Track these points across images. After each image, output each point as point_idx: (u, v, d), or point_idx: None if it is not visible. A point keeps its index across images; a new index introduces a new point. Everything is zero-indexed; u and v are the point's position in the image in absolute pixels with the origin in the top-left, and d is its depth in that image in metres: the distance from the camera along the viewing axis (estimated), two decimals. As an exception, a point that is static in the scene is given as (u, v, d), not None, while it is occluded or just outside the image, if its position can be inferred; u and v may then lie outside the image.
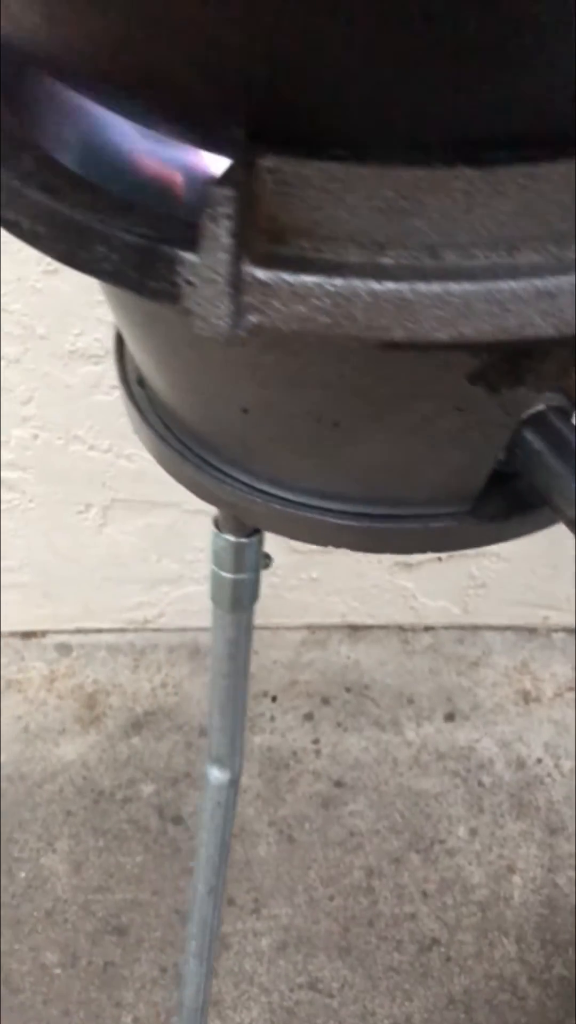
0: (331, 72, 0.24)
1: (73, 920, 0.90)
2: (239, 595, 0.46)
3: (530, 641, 1.09)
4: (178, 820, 0.96)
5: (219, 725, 0.49)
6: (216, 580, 0.46)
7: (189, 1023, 0.62)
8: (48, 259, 0.30)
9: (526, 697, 1.05)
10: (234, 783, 0.51)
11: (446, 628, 1.09)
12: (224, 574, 0.45)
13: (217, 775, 0.51)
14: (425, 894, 0.91)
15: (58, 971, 0.88)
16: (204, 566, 1.04)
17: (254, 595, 0.46)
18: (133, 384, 0.45)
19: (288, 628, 1.08)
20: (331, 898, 0.91)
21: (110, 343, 0.87)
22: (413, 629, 1.09)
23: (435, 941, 0.88)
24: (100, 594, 1.06)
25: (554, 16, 0.22)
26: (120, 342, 0.47)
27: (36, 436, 0.92)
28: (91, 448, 0.93)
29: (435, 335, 0.27)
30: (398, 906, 0.91)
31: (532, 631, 1.10)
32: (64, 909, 0.91)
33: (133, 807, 0.98)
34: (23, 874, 0.93)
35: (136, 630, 1.09)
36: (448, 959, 0.88)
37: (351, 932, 0.89)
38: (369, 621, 1.08)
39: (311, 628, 1.09)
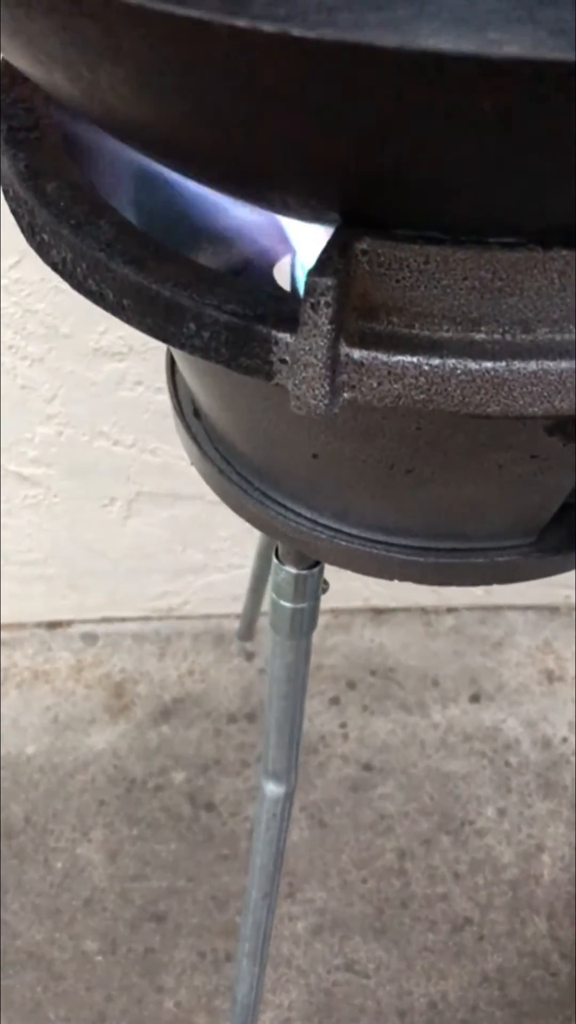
0: (428, 167, 0.24)
1: (112, 908, 0.92)
2: (299, 623, 0.46)
3: (552, 620, 1.10)
4: (210, 807, 0.98)
5: (276, 742, 0.50)
6: (276, 609, 0.46)
7: (242, 1017, 0.63)
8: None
9: (550, 676, 1.06)
10: (289, 796, 0.52)
11: (469, 609, 1.10)
12: (284, 603, 0.46)
13: (273, 789, 0.52)
14: (456, 875, 0.93)
15: (99, 958, 0.90)
16: (228, 555, 1.05)
17: (313, 622, 0.47)
18: (189, 416, 0.45)
19: (312, 613, 1.08)
20: (364, 881, 0.93)
21: (134, 340, 0.87)
22: (436, 611, 1.11)
23: (468, 920, 0.91)
24: (125, 584, 1.06)
25: None
26: (172, 370, 0.47)
27: (61, 433, 0.92)
28: (115, 443, 0.93)
29: (529, 410, 0.27)
30: (430, 887, 0.92)
31: (554, 610, 1.11)
32: (102, 898, 0.93)
33: (165, 795, 0.99)
34: (60, 864, 0.95)
35: (161, 618, 1.10)
36: (481, 938, 0.90)
37: (385, 914, 0.91)
38: (392, 604, 1.09)
39: (334, 612, 1.10)
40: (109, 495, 0.97)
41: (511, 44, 0.18)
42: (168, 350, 0.46)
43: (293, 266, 0.36)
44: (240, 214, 0.34)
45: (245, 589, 1.01)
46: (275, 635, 0.47)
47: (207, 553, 1.04)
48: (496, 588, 1.08)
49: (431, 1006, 0.86)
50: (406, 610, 1.11)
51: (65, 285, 0.84)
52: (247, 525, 1.11)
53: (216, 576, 1.06)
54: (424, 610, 1.11)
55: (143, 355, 0.85)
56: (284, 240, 0.35)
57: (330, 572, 1.08)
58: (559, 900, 0.92)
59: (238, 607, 1.07)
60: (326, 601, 1.09)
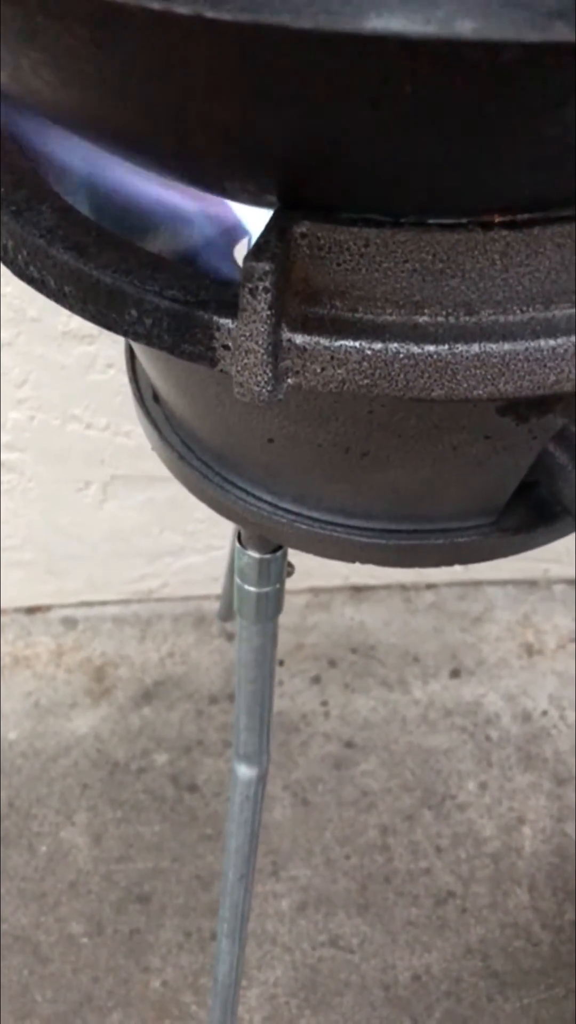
0: (365, 148, 0.23)
1: (96, 890, 0.92)
2: (264, 607, 0.46)
3: (531, 594, 1.11)
4: (193, 788, 0.98)
5: (247, 725, 0.50)
6: (241, 594, 0.46)
7: (223, 997, 0.64)
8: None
9: (529, 650, 1.07)
10: (262, 778, 0.53)
11: (448, 585, 1.11)
12: (249, 588, 0.46)
13: (245, 771, 0.52)
14: (439, 849, 0.94)
15: (85, 940, 0.90)
16: (206, 537, 1.05)
17: (278, 606, 0.47)
18: (148, 401, 0.45)
19: (292, 592, 1.08)
20: (347, 857, 0.93)
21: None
22: (415, 588, 1.11)
23: (450, 894, 0.91)
24: (103, 568, 1.06)
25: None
26: (132, 357, 0.47)
27: (33, 417, 0.92)
28: (88, 427, 0.93)
29: (474, 393, 0.27)
30: (413, 862, 0.93)
31: (533, 584, 1.11)
32: (87, 880, 0.93)
33: (148, 777, 0.99)
34: (44, 848, 0.95)
35: (140, 601, 1.10)
36: (464, 910, 0.90)
37: (368, 889, 0.92)
38: (372, 582, 1.09)
39: (314, 591, 1.10)
40: (84, 479, 0.97)
41: (461, 20, 0.18)
42: (127, 344, 0.45)
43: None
44: (193, 198, 0.34)
45: (224, 570, 1.01)
46: (241, 620, 0.47)
47: (185, 535, 1.03)
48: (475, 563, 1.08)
49: (415, 979, 0.87)
50: (386, 587, 1.11)
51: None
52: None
53: (194, 558, 1.06)
54: (404, 587, 1.11)
55: (113, 338, 0.85)
56: (239, 223, 0.35)
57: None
58: (540, 872, 0.92)
59: (217, 588, 1.07)
60: (306, 580, 1.10)
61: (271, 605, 0.46)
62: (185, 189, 0.32)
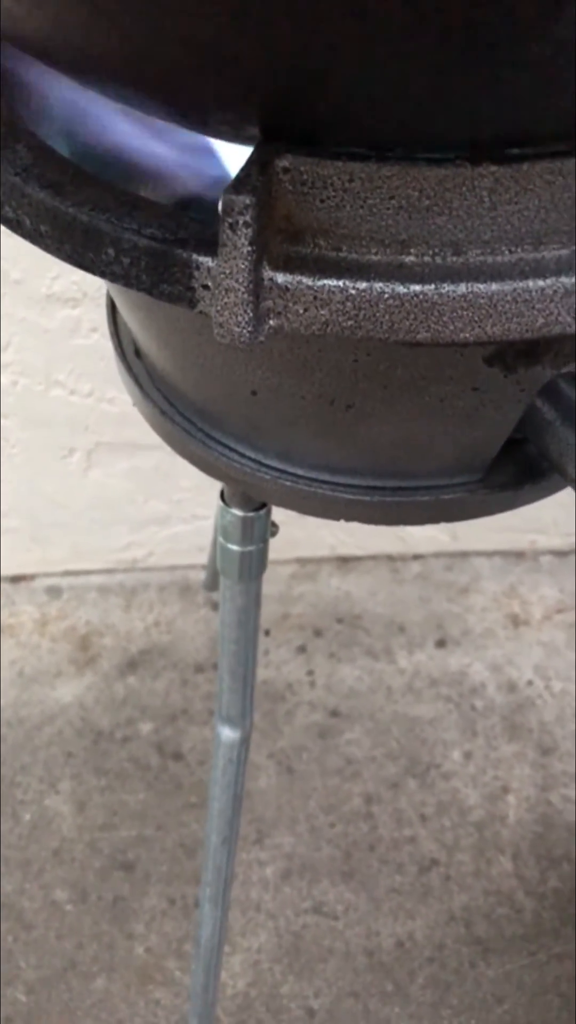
0: (350, 72, 0.22)
1: (80, 858, 0.92)
2: (247, 566, 0.46)
3: (518, 565, 1.10)
4: (178, 756, 0.98)
5: (230, 686, 0.50)
6: (224, 552, 0.46)
7: (206, 960, 0.64)
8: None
9: (515, 621, 1.06)
10: (245, 741, 0.52)
11: (435, 556, 1.10)
12: (232, 547, 0.45)
13: (228, 734, 0.51)
14: (423, 817, 0.94)
15: (69, 907, 0.90)
16: (191, 505, 1.04)
17: (262, 565, 0.46)
18: (130, 355, 0.44)
19: (278, 562, 1.08)
20: (332, 825, 0.94)
21: (87, 286, 0.85)
22: (402, 558, 1.10)
23: (434, 862, 0.91)
24: (88, 537, 1.05)
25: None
26: (112, 311, 0.46)
27: (16, 383, 0.91)
28: (72, 392, 0.92)
29: (461, 335, 0.26)
30: (397, 830, 0.93)
31: (520, 555, 1.11)
32: (71, 848, 0.93)
33: (133, 745, 0.99)
34: (28, 816, 0.95)
35: (126, 570, 1.09)
36: (447, 878, 0.91)
37: (353, 857, 0.92)
38: (358, 552, 1.09)
39: (301, 561, 1.09)
40: (68, 446, 0.96)
41: None
42: (107, 288, 0.44)
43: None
44: (180, 149, 0.33)
45: (210, 539, 1.00)
46: (224, 579, 0.46)
47: (170, 504, 1.03)
48: (462, 534, 1.08)
49: (398, 945, 0.87)
50: (372, 558, 1.10)
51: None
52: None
53: (180, 527, 1.05)
54: (390, 557, 1.11)
55: (97, 301, 0.83)
56: (226, 175, 0.34)
57: (295, 522, 1.08)
58: (524, 840, 0.93)
59: (203, 557, 1.07)
60: (292, 550, 1.09)
61: (255, 564, 0.46)
62: (170, 138, 0.31)
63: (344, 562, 1.10)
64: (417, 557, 1.11)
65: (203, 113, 0.25)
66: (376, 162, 0.25)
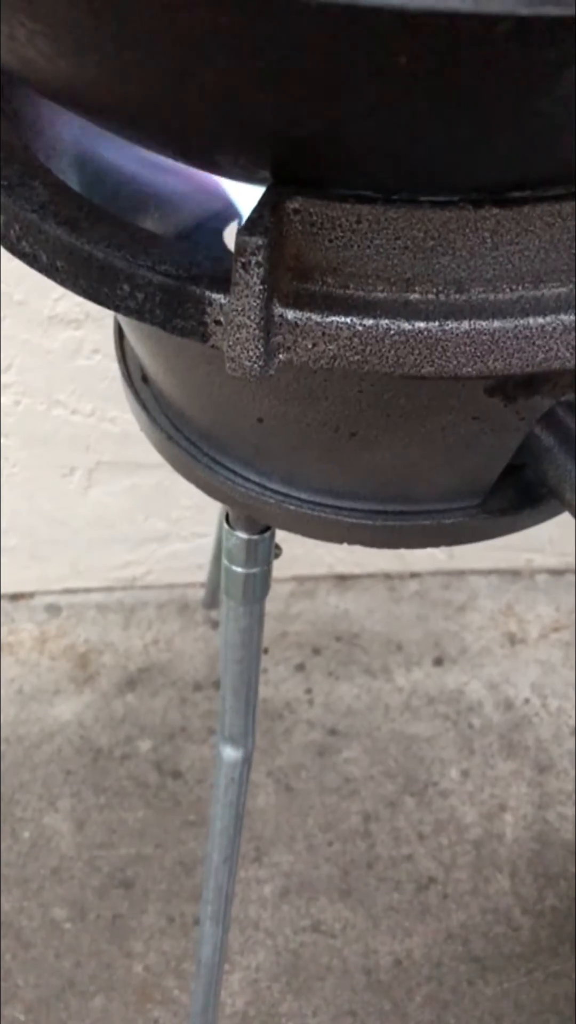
0: (358, 121, 0.23)
1: (79, 876, 0.93)
2: (251, 588, 0.46)
3: (514, 584, 1.11)
4: (177, 775, 0.98)
5: (232, 706, 0.51)
6: (228, 575, 0.46)
7: (207, 979, 0.64)
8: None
9: (512, 639, 1.07)
10: (247, 760, 0.53)
11: (432, 574, 1.11)
12: (236, 569, 0.46)
13: (231, 753, 0.52)
14: (421, 835, 0.94)
15: (68, 925, 0.90)
16: (191, 524, 1.05)
17: (266, 587, 0.47)
18: (137, 381, 0.45)
19: (276, 580, 1.08)
20: (330, 843, 0.94)
21: (90, 307, 0.86)
22: (400, 576, 1.11)
23: (432, 880, 0.92)
24: (87, 555, 1.06)
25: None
26: (120, 337, 0.47)
27: (18, 402, 0.91)
28: (74, 412, 0.93)
29: (464, 370, 0.27)
30: (395, 848, 0.94)
31: (516, 574, 1.12)
32: (70, 866, 0.93)
33: (132, 763, 0.99)
34: (27, 834, 0.95)
35: (125, 588, 1.10)
36: (445, 896, 0.91)
37: (351, 875, 0.92)
38: (356, 570, 1.10)
39: (299, 580, 1.10)
40: (69, 465, 0.97)
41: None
42: (116, 316, 0.45)
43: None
44: (186, 179, 0.34)
45: (208, 558, 1.01)
46: (228, 600, 0.47)
47: (169, 522, 1.03)
48: (459, 553, 1.09)
49: (396, 963, 0.88)
50: (370, 576, 1.11)
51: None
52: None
53: (179, 545, 1.06)
54: (388, 576, 1.12)
55: (100, 322, 0.85)
56: (231, 205, 0.35)
57: (294, 540, 1.09)
58: (521, 858, 0.93)
59: (202, 576, 1.07)
60: (290, 568, 1.10)
61: (258, 586, 0.47)
62: (177, 169, 0.32)
63: (342, 580, 1.11)
64: (414, 575, 1.12)
65: (216, 157, 0.26)
66: (383, 204, 0.26)
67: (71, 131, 0.35)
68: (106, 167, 0.34)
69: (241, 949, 0.88)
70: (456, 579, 1.12)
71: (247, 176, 0.27)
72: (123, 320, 0.40)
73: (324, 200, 0.26)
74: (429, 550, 1.05)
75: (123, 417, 0.93)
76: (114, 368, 0.89)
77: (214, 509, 1.00)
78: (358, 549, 1.09)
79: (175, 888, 0.92)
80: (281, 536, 1.07)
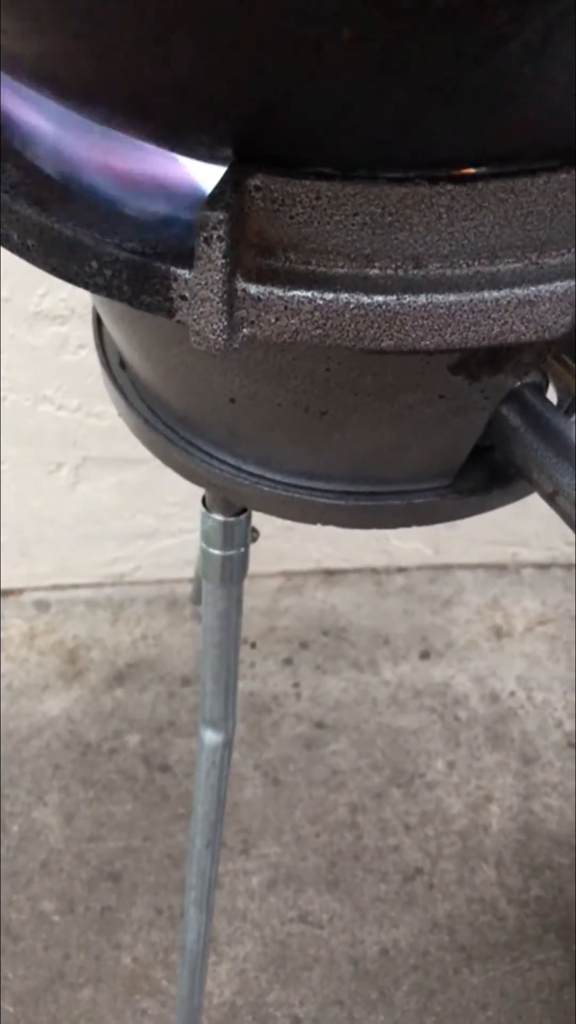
0: (316, 97, 0.24)
1: (68, 869, 0.93)
2: (229, 571, 0.47)
3: (500, 578, 1.12)
4: (165, 768, 0.99)
5: (212, 690, 0.51)
6: (206, 557, 0.47)
7: (191, 965, 0.65)
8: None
9: (498, 633, 1.08)
10: (228, 744, 0.53)
11: (419, 569, 1.12)
12: (214, 551, 0.46)
13: (212, 737, 0.53)
14: (407, 827, 0.95)
15: (56, 918, 0.91)
16: (178, 520, 1.06)
17: (243, 570, 0.48)
18: (115, 367, 0.46)
19: (264, 576, 1.09)
20: (317, 835, 0.95)
21: (75, 303, 0.87)
22: (387, 571, 1.12)
23: (418, 870, 0.93)
24: (76, 551, 1.07)
25: (530, 44, 0.23)
26: (99, 325, 0.47)
27: (4, 398, 0.92)
28: (60, 408, 0.93)
29: (422, 343, 0.28)
30: (382, 839, 0.94)
31: (502, 568, 1.12)
32: (59, 859, 0.94)
33: (120, 758, 1.00)
34: (16, 828, 0.96)
35: (113, 584, 1.11)
36: (431, 886, 0.92)
37: (338, 866, 0.93)
38: (343, 565, 1.11)
39: (287, 575, 1.11)
40: (56, 461, 0.97)
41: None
42: (93, 303, 0.46)
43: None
44: (157, 172, 0.35)
45: (196, 553, 1.02)
46: (207, 584, 0.48)
47: (157, 518, 1.04)
48: (445, 547, 1.09)
49: (383, 953, 0.88)
50: (357, 571, 1.12)
51: (1, 248, 0.83)
52: (196, 489, 1.11)
53: (167, 541, 1.06)
54: (375, 571, 1.12)
55: (85, 318, 0.85)
56: (200, 196, 0.36)
57: (282, 536, 1.09)
58: (507, 849, 0.94)
59: (190, 571, 1.08)
60: (278, 564, 1.11)
61: (236, 569, 0.47)
62: (145, 155, 0.33)
63: (329, 575, 1.12)
64: (401, 570, 1.12)
65: (180, 135, 0.27)
66: (341, 181, 0.26)
67: (45, 128, 0.36)
68: (79, 164, 0.35)
69: (229, 940, 0.89)
70: (442, 573, 1.12)
71: (210, 154, 0.27)
72: (99, 305, 0.41)
73: (284, 177, 0.27)
74: (415, 544, 1.06)
75: (109, 412, 0.93)
76: (99, 363, 0.90)
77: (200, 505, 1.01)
78: (345, 543, 1.09)
79: (163, 880, 0.92)
80: (268, 531, 1.08)
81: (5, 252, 0.85)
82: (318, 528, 1.09)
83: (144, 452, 1.03)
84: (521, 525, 1.07)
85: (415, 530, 1.09)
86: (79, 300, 0.84)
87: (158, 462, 1.01)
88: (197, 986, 0.67)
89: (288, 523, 1.04)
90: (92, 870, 0.93)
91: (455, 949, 0.88)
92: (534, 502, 1.10)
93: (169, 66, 0.24)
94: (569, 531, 1.09)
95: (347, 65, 0.21)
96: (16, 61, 0.27)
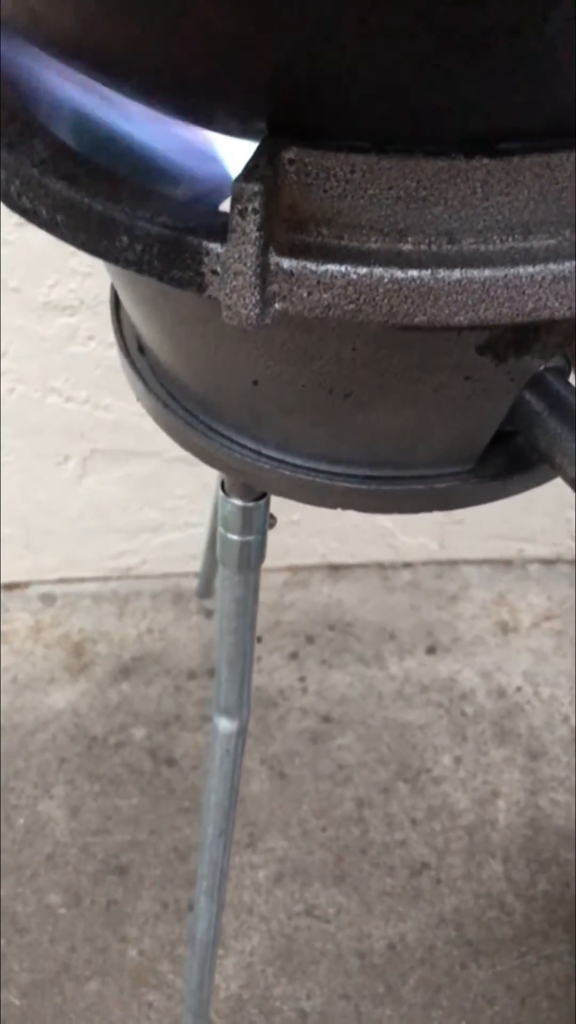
0: (353, 67, 0.24)
1: (74, 862, 0.93)
2: (247, 556, 0.47)
3: (507, 573, 1.12)
4: (171, 762, 0.99)
5: (227, 677, 0.51)
6: (224, 542, 0.47)
7: (201, 956, 0.65)
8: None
9: (504, 628, 1.08)
10: (242, 732, 0.53)
11: (425, 564, 1.12)
12: (232, 536, 0.46)
13: (226, 725, 0.52)
14: (414, 821, 0.95)
15: (63, 911, 0.91)
16: (185, 513, 1.06)
17: (261, 556, 0.48)
18: (133, 352, 0.45)
19: (270, 570, 1.09)
20: (324, 829, 0.94)
21: (85, 294, 0.86)
22: (393, 566, 1.12)
23: (425, 865, 0.92)
24: (82, 544, 1.06)
25: (571, 16, 0.23)
26: (116, 307, 0.47)
27: (12, 390, 0.92)
28: (68, 400, 0.93)
29: (455, 319, 0.28)
30: (388, 834, 0.94)
31: (508, 564, 1.12)
32: (64, 852, 0.94)
33: (126, 751, 1.00)
34: (22, 821, 0.96)
35: (119, 578, 1.11)
36: (438, 881, 0.92)
37: (344, 861, 0.93)
38: (349, 560, 1.10)
39: (293, 569, 1.11)
40: (63, 453, 0.97)
41: None
42: (112, 286, 0.46)
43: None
44: (182, 152, 0.35)
45: (203, 547, 1.02)
46: (223, 569, 0.48)
47: (164, 512, 1.04)
48: (451, 543, 1.09)
49: (390, 947, 0.88)
50: (363, 566, 1.12)
51: (12, 237, 0.83)
52: (203, 482, 1.11)
53: (173, 535, 1.06)
54: (381, 565, 1.12)
55: (94, 309, 0.85)
56: (228, 179, 0.36)
57: (288, 530, 1.09)
58: (514, 844, 0.94)
59: (196, 565, 1.08)
60: (284, 558, 1.11)
61: (253, 554, 0.47)
62: (176, 132, 0.33)
63: (335, 570, 1.12)
64: (407, 565, 1.12)
65: (212, 108, 0.27)
66: (376, 154, 0.26)
67: (72, 104, 0.35)
68: (103, 143, 0.35)
69: (235, 934, 0.89)
70: (449, 569, 1.12)
71: (243, 128, 0.27)
72: (119, 286, 0.40)
73: (319, 150, 0.27)
74: (421, 539, 1.06)
75: (117, 405, 0.93)
76: (108, 355, 0.90)
77: (208, 499, 1.01)
78: (351, 538, 1.09)
79: (169, 874, 0.92)
80: (275, 525, 1.06)
81: (17, 244, 0.84)
82: (324, 523, 1.09)
83: (151, 445, 1.03)
84: (527, 521, 1.07)
85: (421, 525, 1.09)
86: (88, 291, 0.84)
87: (165, 456, 1.01)
88: (207, 977, 0.66)
89: (294, 518, 1.04)
90: (98, 863, 0.93)
91: (462, 944, 0.88)
92: (540, 498, 1.10)
93: (206, 35, 0.24)
94: (576, 527, 1.09)
95: (386, 36, 0.21)
96: (47, 33, 0.27)
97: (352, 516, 1.05)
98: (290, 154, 0.27)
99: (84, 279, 0.83)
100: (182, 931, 0.88)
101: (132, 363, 0.45)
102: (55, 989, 0.86)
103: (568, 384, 0.38)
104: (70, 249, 0.89)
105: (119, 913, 0.90)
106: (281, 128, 0.27)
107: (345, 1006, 0.85)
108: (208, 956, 0.64)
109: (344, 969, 0.87)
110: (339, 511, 1.03)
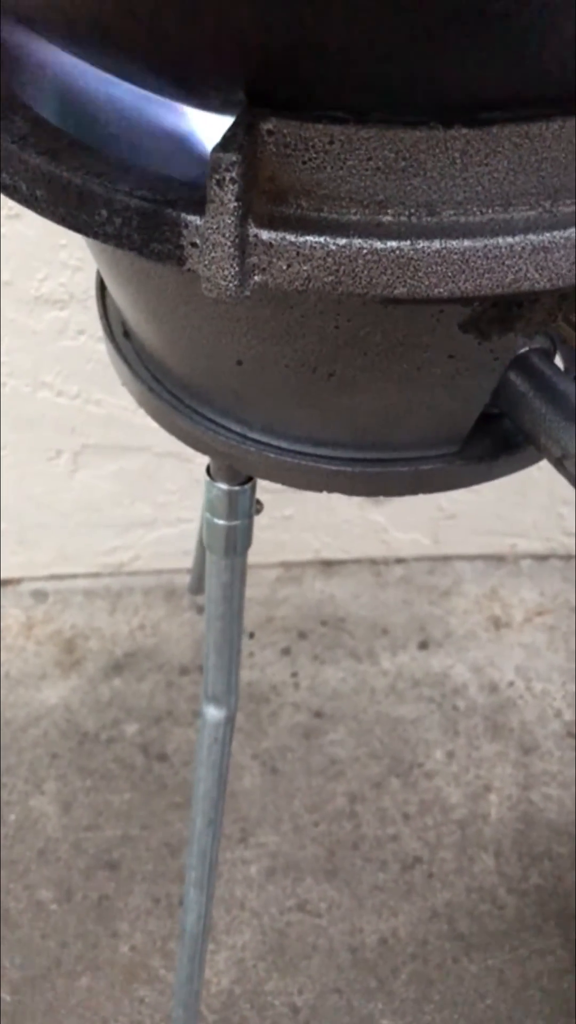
0: (331, 37, 0.24)
1: (65, 858, 0.93)
2: (232, 541, 0.47)
3: (499, 569, 1.12)
4: (163, 757, 0.99)
5: (215, 664, 0.51)
6: (210, 527, 0.47)
7: (191, 948, 0.64)
8: (10, 203, 0.30)
9: (496, 623, 1.08)
10: (230, 720, 0.53)
11: (417, 560, 1.12)
12: (218, 521, 0.46)
13: (214, 713, 0.52)
14: (406, 816, 0.95)
15: (54, 907, 0.90)
16: (177, 509, 1.05)
17: (247, 541, 0.48)
18: (119, 336, 0.45)
19: (263, 566, 1.09)
20: (316, 824, 0.94)
21: (75, 288, 0.86)
22: (385, 562, 1.12)
23: (417, 860, 0.92)
24: (74, 540, 1.06)
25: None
26: (102, 293, 0.47)
27: (4, 384, 0.92)
28: (59, 394, 0.93)
29: (435, 290, 0.27)
30: (381, 828, 0.94)
31: (501, 559, 1.12)
32: (56, 848, 0.93)
33: (118, 747, 1.00)
34: (13, 816, 0.95)
35: (111, 574, 1.10)
36: (430, 875, 0.91)
37: (336, 855, 0.92)
38: (342, 556, 1.10)
39: (285, 565, 1.11)
40: (55, 448, 0.97)
41: None
42: (98, 272, 0.46)
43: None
44: (165, 136, 0.34)
45: (194, 543, 1.02)
46: (210, 555, 0.47)
47: (156, 507, 1.04)
48: (444, 538, 1.09)
49: (382, 942, 0.88)
50: (356, 562, 1.12)
51: (3, 230, 0.83)
52: (194, 478, 1.10)
53: (166, 530, 1.06)
54: (373, 561, 1.12)
55: (85, 303, 0.85)
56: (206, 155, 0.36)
57: (280, 527, 1.09)
58: (506, 838, 0.94)
59: (188, 561, 1.08)
60: (277, 554, 1.11)
61: (240, 539, 0.47)
62: (155, 107, 0.33)
63: (328, 566, 1.12)
64: (400, 561, 1.12)
65: (191, 79, 0.27)
66: (355, 125, 0.26)
67: (54, 83, 0.35)
68: (87, 123, 0.35)
69: (227, 928, 0.88)
70: (441, 564, 1.12)
71: (222, 100, 0.27)
72: (103, 269, 0.40)
73: (297, 121, 0.26)
74: (414, 535, 1.06)
75: (108, 400, 0.93)
76: (99, 350, 0.90)
77: (199, 494, 1.00)
78: (344, 534, 1.09)
79: (161, 869, 0.92)
80: (266, 520, 1.07)
81: (9, 236, 0.84)
82: (317, 519, 1.09)
83: (143, 440, 1.02)
84: (519, 516, 1.07)
85: (414, 521, 1.09)
86: (78, 285, 0.84)
87: (157, 450, 1.01)
88: (196, 970, 0.66)
89: (287, 513, 1.04)
90: (90, 859, 0.93)
91: (454, 938, 0.88)
92: (532, 493, 1.09)
93: (185, 4, 0.24)
94: (568, 522, 1.09)
95: (363, 6, 0.21)
96: (24, 7, 0.26)
97: (345, 512, 1.05)
98: (269, 125, 0.27)
99: (74, 273, 0.83)
100: (173, 926, 0.88)
101: (118, 348, 0.45)
102: (46, 985, 0.86)
103: (553, 365, 0.38)
104: (61, 242, 0.89)
105: (110, 909, 0.90)
106: (260, 99, 0.27)
107: (337, 1000, 0.85)
108: (198, 949, 0.64)
109: (336, 964, 0.87)
110: (332, 506, 1.03)
